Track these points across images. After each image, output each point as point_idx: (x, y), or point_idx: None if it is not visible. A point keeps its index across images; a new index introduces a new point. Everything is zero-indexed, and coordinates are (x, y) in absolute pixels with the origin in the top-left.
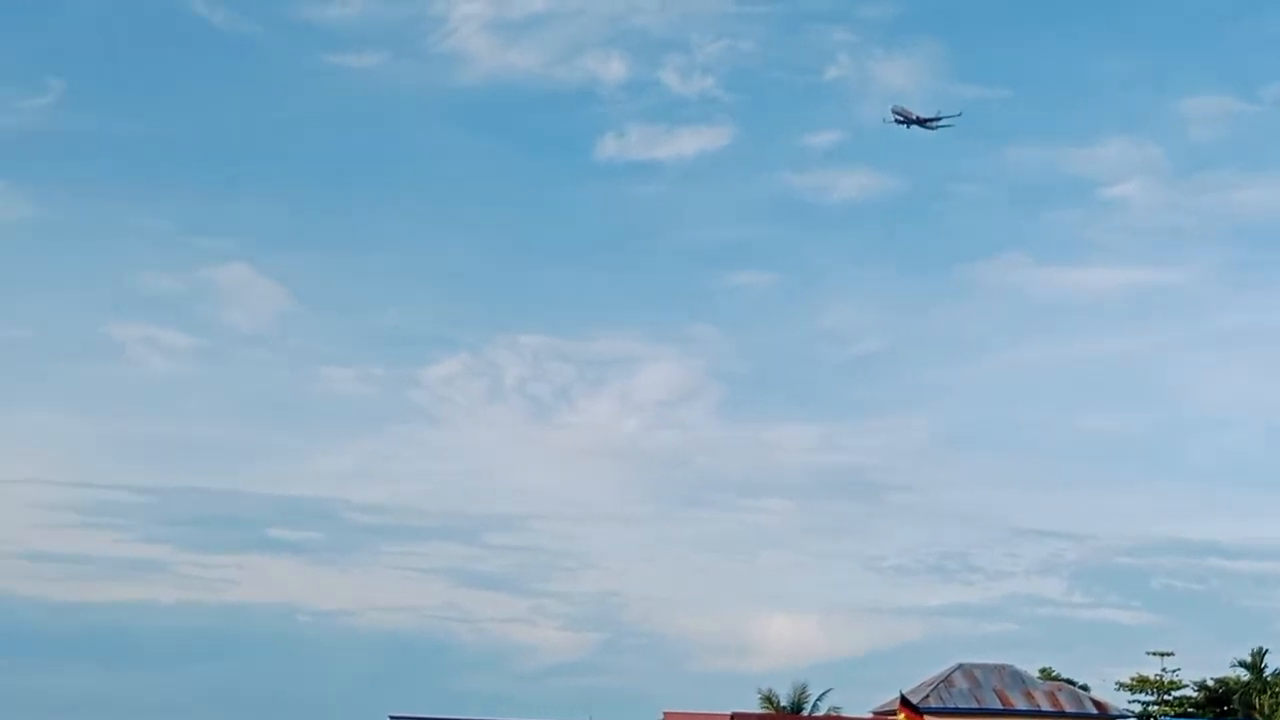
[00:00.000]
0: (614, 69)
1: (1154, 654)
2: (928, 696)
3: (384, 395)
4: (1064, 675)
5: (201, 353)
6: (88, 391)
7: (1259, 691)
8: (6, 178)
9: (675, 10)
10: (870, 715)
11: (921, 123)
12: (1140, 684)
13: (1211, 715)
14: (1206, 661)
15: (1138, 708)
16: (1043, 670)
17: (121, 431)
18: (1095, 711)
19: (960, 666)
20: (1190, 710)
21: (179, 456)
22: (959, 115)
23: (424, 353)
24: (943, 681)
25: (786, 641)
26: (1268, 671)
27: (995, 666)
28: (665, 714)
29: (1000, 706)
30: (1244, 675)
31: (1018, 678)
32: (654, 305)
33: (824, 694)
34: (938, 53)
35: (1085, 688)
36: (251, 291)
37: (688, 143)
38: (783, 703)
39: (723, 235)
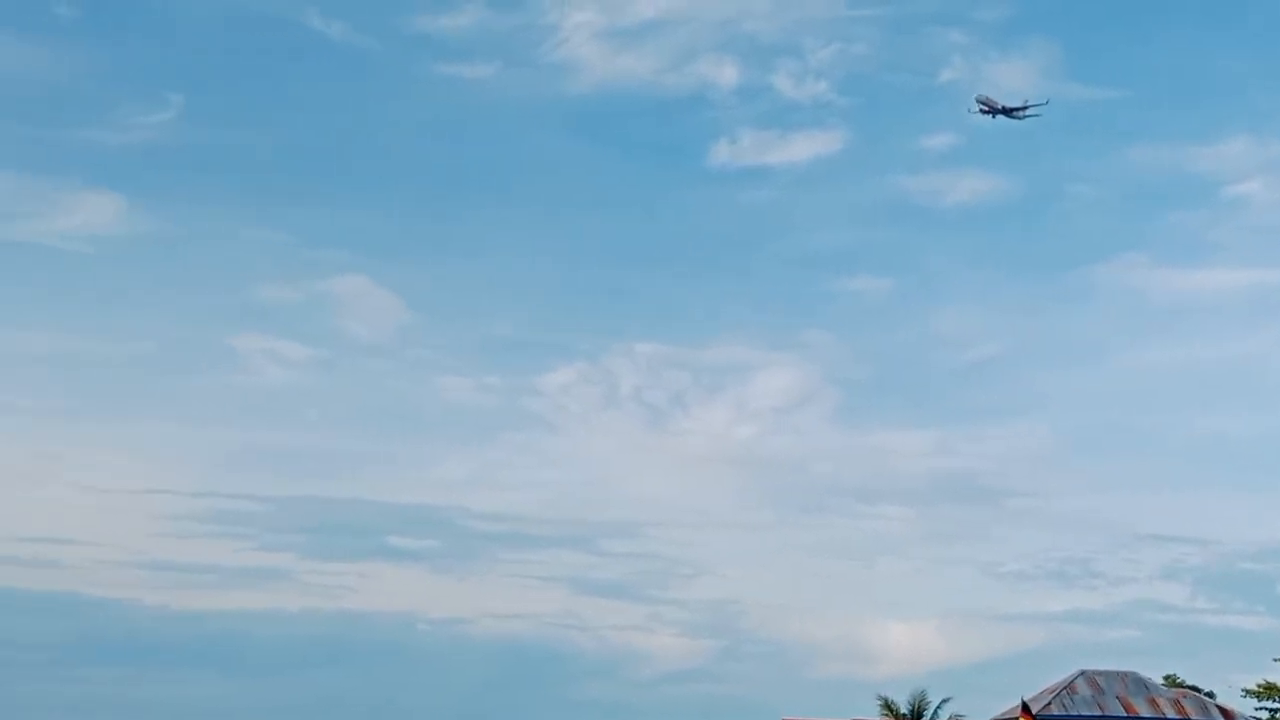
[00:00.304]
0: (726, 74)
1: None
2: (1050, 704)
3: (501, 404)
4: (1189, 682)
5: (320, 363)
6: (209, 402)
7: None
8: (128, 192)
9: (787, 15)
10: None
11: (1007, 112)
12: (1267, 690)
13: None
14: None
15: (1265, 715)
16: (1167, 677)
17: (242, 441)
18: (1221, 719)
19: (1083, 673)
20: None
21: (299, 466)
22: (1046, 104)
23: (540, 361)
24: (1065, 688)
25: (905, 648)
26: None
27: (1119, 673)
28: None
29: (1124, 714)
30: None
31: (1141, 684)
32: (768, 311)
33: (944, 702)
34: (1053, 53)
35: (1211, 695)
36: (368, 302)
37: (801, 148)
38: (902, 710)
39: (837, 240)
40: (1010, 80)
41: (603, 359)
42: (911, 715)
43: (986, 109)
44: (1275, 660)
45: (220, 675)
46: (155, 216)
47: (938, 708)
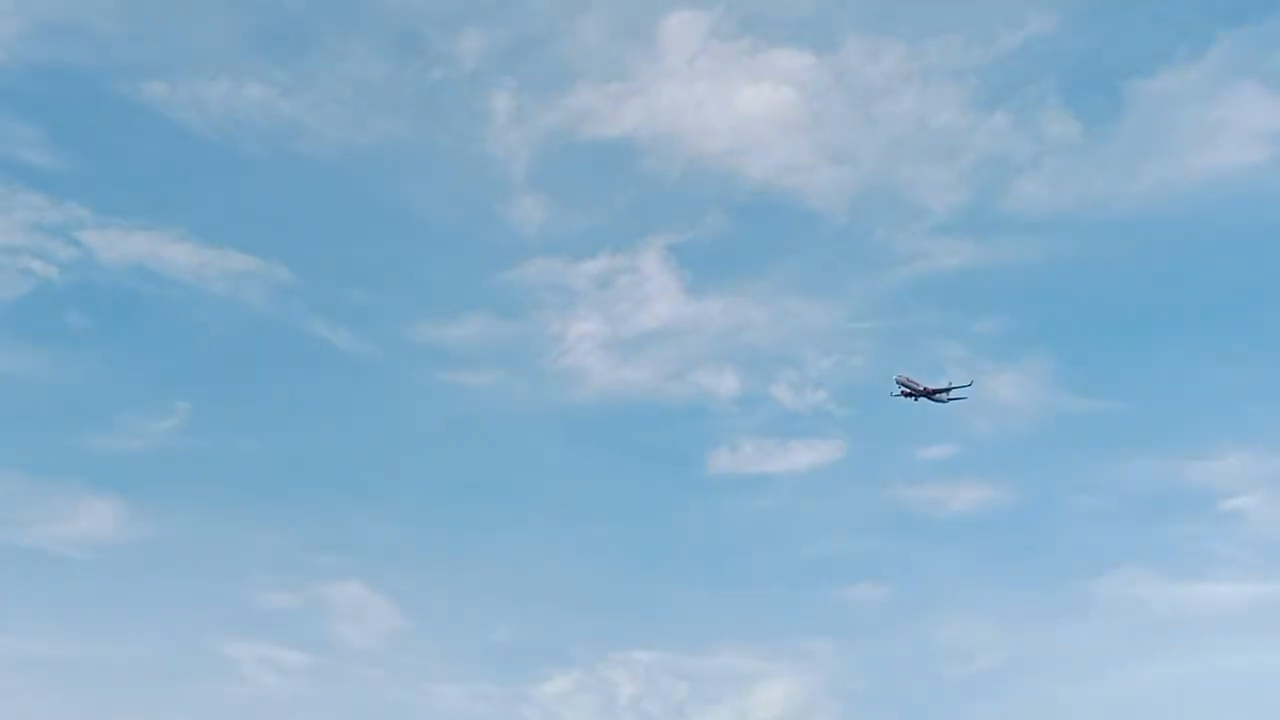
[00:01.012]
0: (726, 384)
1: None
2: None
3: (495, 713)
4: None
5: (315, 670)
6: (203, 709)
7: None
8: (130, 499)
9: (786, 326)
10: None
11: (929, 394)
12: None
13: None
14: None
15: None
16: None
17: None
18: None
19: None
20: None
21: None
22: (970, 385)
23: (536, 669)
24: None
25: None
26: None
27: None
28: None
29: None
30: None
31: None
32: (769, 619)
33: None
34: (1049, 366)
35: None
36: (365, 608)
37: (801, 456)
38: None
39: (837, 548)
40: (1007, 392)
41: (600, 667)
42: None
43: (907, 391)
44: None
45: None
46: (156, 523)
47: None
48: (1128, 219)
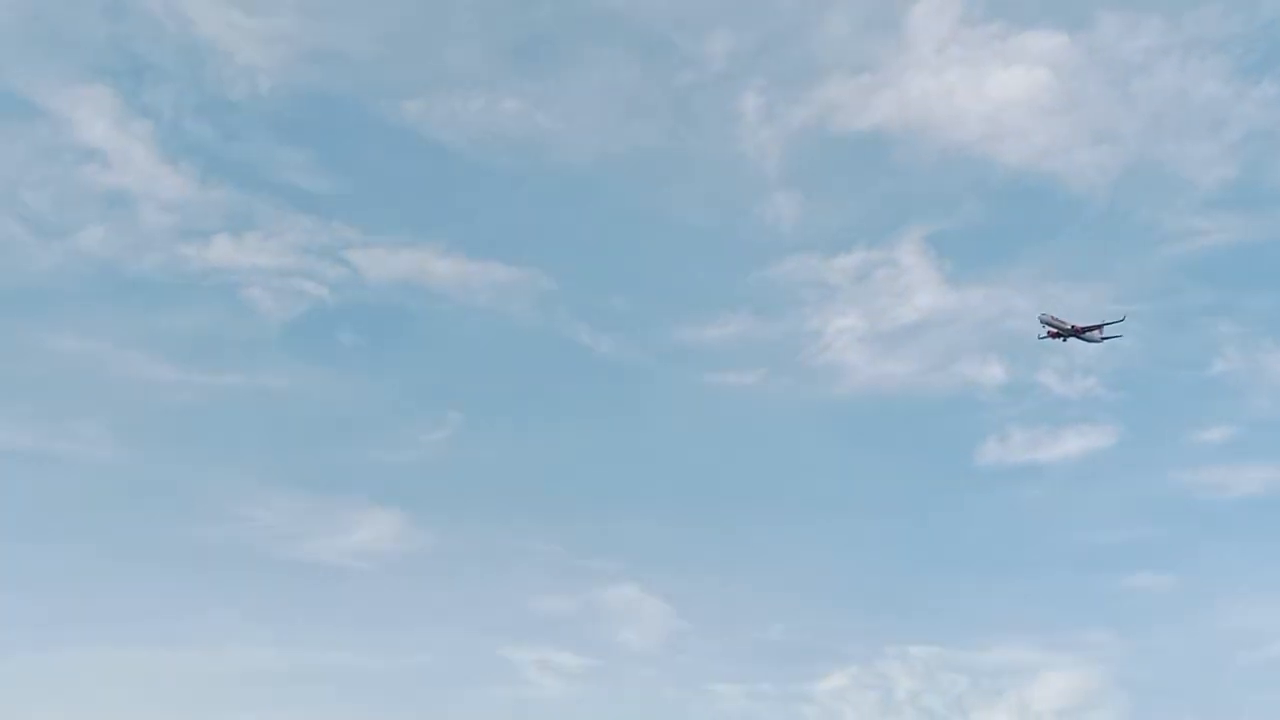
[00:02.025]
0: (991, 373)
1: None
2: None
3: (774, 711)
4: None
5: (594, 673)
6: (488, 715)
7: None
8: (408, 510)
9: (1051, 312)
10: None
11: (1079, 333)
12: None
13: None
14: None
15: None
16: None
17: None
18: None
19: None
20: None
21: None
22: (1123, 320)
23: (812, 666)
24: None
25: None
26: None
27: None
28: None
29: None
30: None
31: None
32: (1048, 611)
33: None
34: None
35: None
36: (640, 610)
37: (1072, 444)
38: None
39: (1115, 537)
40: None
41: (877, 663)
42: None
43: (1055, 332)
44: None
45: None
46: (433, 532)
47: None
48: None
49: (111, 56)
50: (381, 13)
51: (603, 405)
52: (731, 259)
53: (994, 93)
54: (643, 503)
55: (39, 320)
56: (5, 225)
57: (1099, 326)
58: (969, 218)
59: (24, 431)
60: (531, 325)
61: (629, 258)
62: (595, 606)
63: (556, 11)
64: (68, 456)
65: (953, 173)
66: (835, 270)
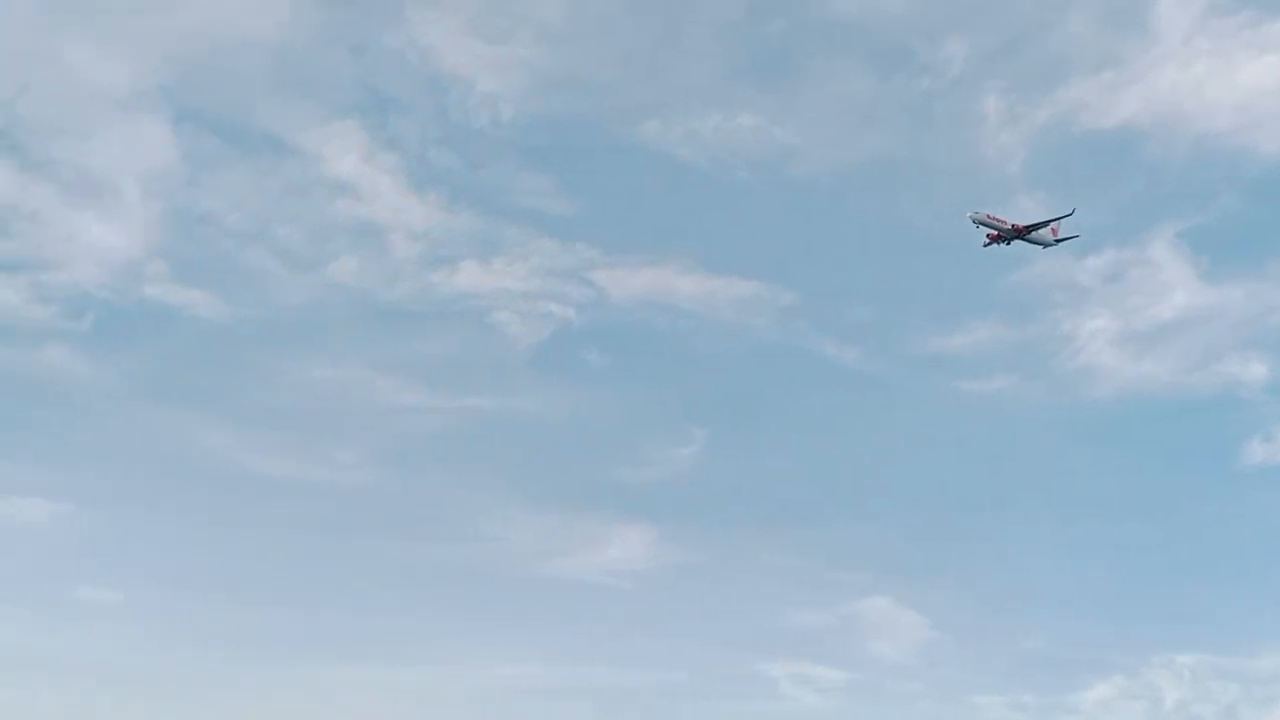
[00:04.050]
0: (1255, 371)
1: None
2: None
3: None
4: None
5: (852, 686)
6: None
7: None
8: (659, 526)
9: None
10: None
11: (1021, 234)
12: None
13: None
14: None
15: None
16: None
17: None
18: None
19: None
20: None
21: None
22: (1072, 214)
23: (1076, 677)
24: None
25: None
26: None
27: None
28: None
29: None
30: None
31: None
32: None
33: None
34: None
35: None
36: (895, 623)
37: None
38: None
39: None
40: None
41: (1143, 672)
42: None
43: (993, 235)
44: None
45: None
46: (684, 547)
47: None
48: None
49: (358, 92)
50: (617, 36)
51: (849, 416)
52: (977, 264)
53: (1246, 83)
54: (893, 513)
55: (295, 351)
56: (260, 259)
57: (1046, 224)
58: (1224, 212)
59: (286, 459)
60: (774, 339)
61: (871, 267)
62: (849, 619)
63: (790, 25)
64: (327, 483)
65: (1205, 167)
66: (1086, 271)
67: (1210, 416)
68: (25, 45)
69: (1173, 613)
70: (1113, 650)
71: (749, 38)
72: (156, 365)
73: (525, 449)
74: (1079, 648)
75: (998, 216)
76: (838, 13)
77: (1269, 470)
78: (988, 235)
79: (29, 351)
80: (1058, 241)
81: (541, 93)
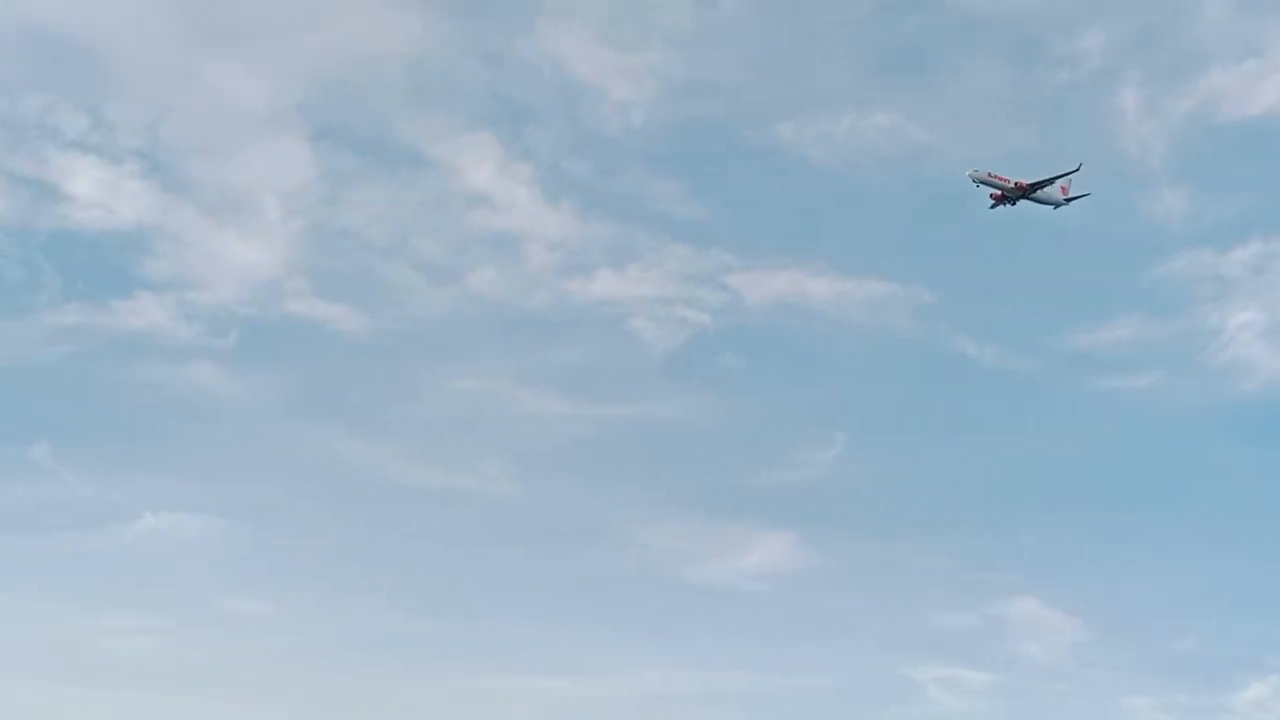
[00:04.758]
0: None
1: None
2: None
3: None
4: None
5: (999, 689)
6: None
7: None
8: (800, 530)
9: None
10: None
11: (1026, 192)
12: None
13: None
14: None
15: None
16: None
17: None
18: None
19: None
20: None
21: None
22: (1078, 169)
23: (1230, 677)
24: None
25: None
26: None
27: None
28: None
29: None
30: None
31: None
32: None
33: None
34: None
35: None
36: (1042, 624)
37: None
38: None
39: None
40: None
41: None
42: None
43: (998, 195)
44: None
45: None
46: (826, 551)
47: None
48: None
49: (492, 104)
50: (748, 39)
51: (990, 415)
52: (1118, 259)
53: None
54: (1038, 513)
55: (436, 362)
56: (399, 272)
57: (1052, 180)
58: None
59: (428, 470)
60: (912, 339)
61: (1009, 264)
62: (995, 621)
63: (923, 23)
64: (470, 492)
65: None
66: (1232, 263)
67: None
68: (167, 68)
69: None
70: (1268, 650)
71: (881, 36)
72: (300, 380)
73: (664, 455)
74: (1233, 647)
75: (1000, 175)
76: (971, 7)
77: None
78: (991, 195)
79: (176, 369)
80: (1068, 201)
81: (673, 98)
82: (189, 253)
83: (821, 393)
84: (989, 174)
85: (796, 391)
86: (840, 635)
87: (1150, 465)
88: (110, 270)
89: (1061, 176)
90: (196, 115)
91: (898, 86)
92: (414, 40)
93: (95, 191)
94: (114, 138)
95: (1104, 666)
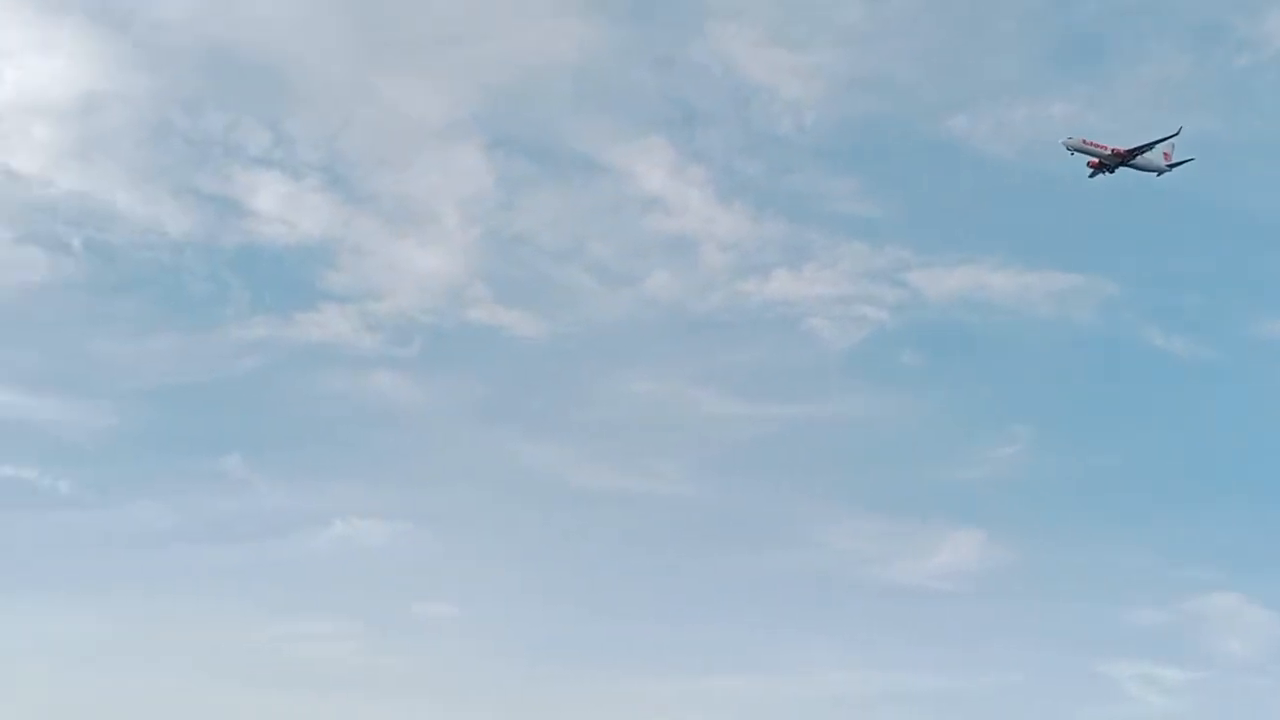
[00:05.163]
0: None
1: None
2: None
3: None
4: None
5: (1199, 686)
6: None
7: None
8: (987, 528)
9: None
10: None
11: (1125, 159)
12: None
13: None
14: None
15: None
16: None
17: None
18: None
19: None
20: None
21: None
22: (1178, 133)
23: None
24: None
25: None
26: None
27: None
28: None
29: None
30: None
31: None
32: None
33: None
34: None
35: None
36: (1243, 620)
37: None
38: None
39: None
40: None
41: None
42: None
43: (1097, 163)
44: None
45: None
46: (1014, 548)
47: None
48: None
49: (663, 107)
50: (919, 33)
51: (1180, 406)
52: None
53: None
54: (1237, 505)
55: (613, 365)
56: (575, 277)
57: (1151, 145)
58: None
59: (609, 473)
60: (1096, 331)
61: (1196, 253)
62: (1193, 616)
63: (1099, 7)
64: (651, 494)
65: None
66: None
67: None
68: (345, 83)
69: None
70: None
71: (1056, 24)
72: (480, 385)
73: (845, 454)
74: None
75: (1095, 142)
76: None
77: None
78: (1089, 164)
79: (360, 378)
80: (1171, 167)
81: (844, 95)
82: (370, 263)
83: (1004, 388)
84: (1084, 141)
85: (978, 387)
86: (1031, 632)
87: None
88: (294, 283)
89: (1161, 141)
90: (374, 128)
91: (1074, 75)
92: (584, 47)
93: (278, 206)
94: (295, 153)
95: None
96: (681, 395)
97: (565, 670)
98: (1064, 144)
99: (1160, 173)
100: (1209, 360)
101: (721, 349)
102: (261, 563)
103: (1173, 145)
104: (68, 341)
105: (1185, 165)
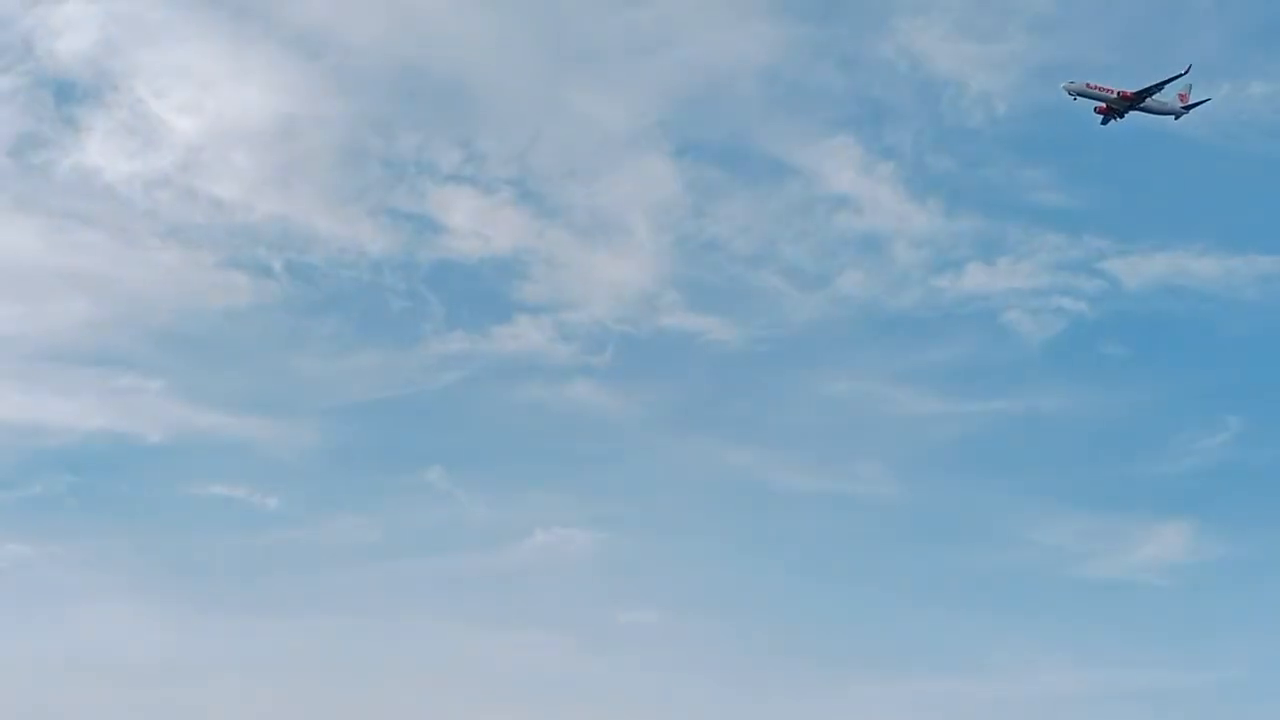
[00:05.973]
0: None
1: None
2: None
3: None
4: None
5: None
6: None
7: None
8: (1197, 520)
9: None
10: None
11: (1134, 102)
12: None
13: None
14: None
15: None
16: None
17: None
18: None
19: None
20: None
21: None
22: (1188, 71)
23: None
24: None
25: None
26: None
27: None
28: None
29: None
30: None
31: None
32: None
33: None
34: None
35: None
36: None
37: None
38: None
39: None
40: None
41: None
42: None
43: (1104, 108)
44: None
45: None
46: (1226, 540)
47: None
48: None
49: (851, 106)
50: (1112, 16)
51: None
52: None
53: None
54: None
55: (809, 368)
56: (768, 280)
57: (1160, 86)
58: None
59: (810, 475)
60: None
61: None
62: None
63: None
64: (852, 496)
65: None
66: None
67: None
68: (532, 97)
69: None
70: None
71: (1252, 2)
72: (676, 392)
73: (1048, 449)
74: None
75: (1099, 85)
76: None
77: None
78: (1097, 110)
79: (557, 389)
80: (1187, 109)
81: (1035, 84)
82: (563, 274)
83: (1211, 376)
84: (1087, 84)
85: (1183, 376)
86: (1250, 626)
87: None
88: (489, 296)
89: (1169, 81)
90: (563, 140)
91: (1274, 53)
92: (768, 49)
93: (472, 221)
94: (486, 168)
95: None
96: (879, 395)
97: (772, 675)
98: (1064, 88)
99: (1177, 115)
100: None
101: (917, 347)
102: (466, 574)
103: (1189, 86)
104: (272, 362)
105: (1199, 104)
